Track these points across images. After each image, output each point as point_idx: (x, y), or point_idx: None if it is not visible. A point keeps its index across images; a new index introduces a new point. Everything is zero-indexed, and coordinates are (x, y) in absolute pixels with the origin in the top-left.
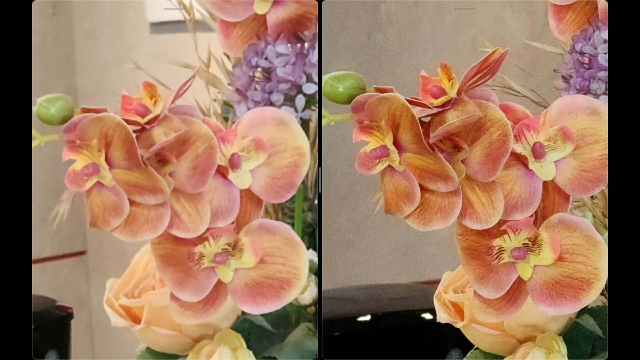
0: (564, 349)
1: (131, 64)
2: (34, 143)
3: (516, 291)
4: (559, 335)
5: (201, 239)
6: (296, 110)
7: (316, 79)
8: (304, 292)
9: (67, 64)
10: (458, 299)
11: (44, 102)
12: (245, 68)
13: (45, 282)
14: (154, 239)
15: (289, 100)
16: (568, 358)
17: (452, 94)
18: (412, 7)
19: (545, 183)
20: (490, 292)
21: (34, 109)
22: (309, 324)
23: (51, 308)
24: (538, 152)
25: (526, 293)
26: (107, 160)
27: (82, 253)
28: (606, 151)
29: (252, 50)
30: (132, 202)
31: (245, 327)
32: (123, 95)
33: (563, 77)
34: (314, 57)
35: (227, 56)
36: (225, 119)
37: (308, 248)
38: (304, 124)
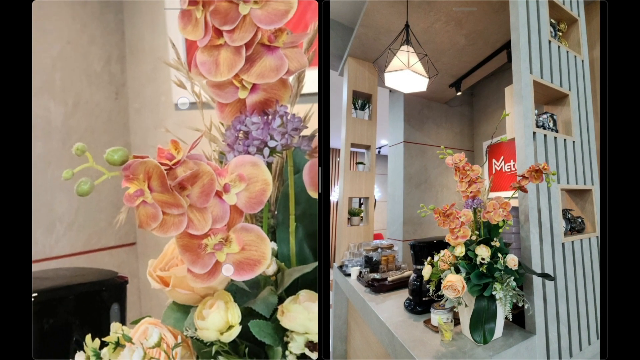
0: (232, 299)
1: (163, 129)
2: (103, 177)
3: (214, 268)
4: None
5: (206, 235)
6: (264, 157)
7: (277, 138)
8: (268, 267)
9: (124, 128)
10: (164, 274)
11: (111, 152)
12: (233, 131)
13: (111, 262)
14: (177, 235)
15: (259, 151)
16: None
17: (179, 157)
18: None
19: (231, 206)
20: (199, 270)
21: (105, 156)
22: (271, 287)
23: (115, 277)
24: (227, 188)
25: (221, 269)
26: (149, 187)
27: (133, 244)
28: (263, 186)
29: (237, 120)
30: (164, 213)
31: (233, 289)
32: (159, 148)
33: (228, 144)
34: (275, 124)
35: (222, 124)
36: (220, 162)
37: (271, 240)
38: (269, 165)
